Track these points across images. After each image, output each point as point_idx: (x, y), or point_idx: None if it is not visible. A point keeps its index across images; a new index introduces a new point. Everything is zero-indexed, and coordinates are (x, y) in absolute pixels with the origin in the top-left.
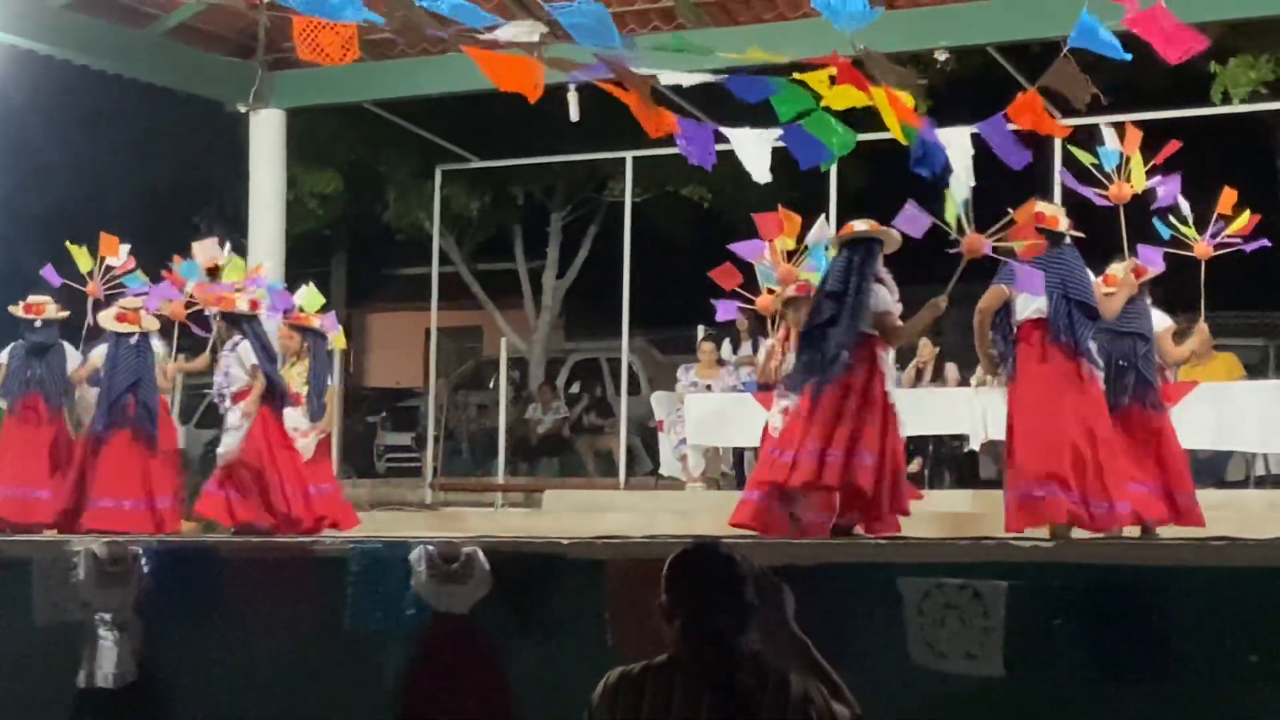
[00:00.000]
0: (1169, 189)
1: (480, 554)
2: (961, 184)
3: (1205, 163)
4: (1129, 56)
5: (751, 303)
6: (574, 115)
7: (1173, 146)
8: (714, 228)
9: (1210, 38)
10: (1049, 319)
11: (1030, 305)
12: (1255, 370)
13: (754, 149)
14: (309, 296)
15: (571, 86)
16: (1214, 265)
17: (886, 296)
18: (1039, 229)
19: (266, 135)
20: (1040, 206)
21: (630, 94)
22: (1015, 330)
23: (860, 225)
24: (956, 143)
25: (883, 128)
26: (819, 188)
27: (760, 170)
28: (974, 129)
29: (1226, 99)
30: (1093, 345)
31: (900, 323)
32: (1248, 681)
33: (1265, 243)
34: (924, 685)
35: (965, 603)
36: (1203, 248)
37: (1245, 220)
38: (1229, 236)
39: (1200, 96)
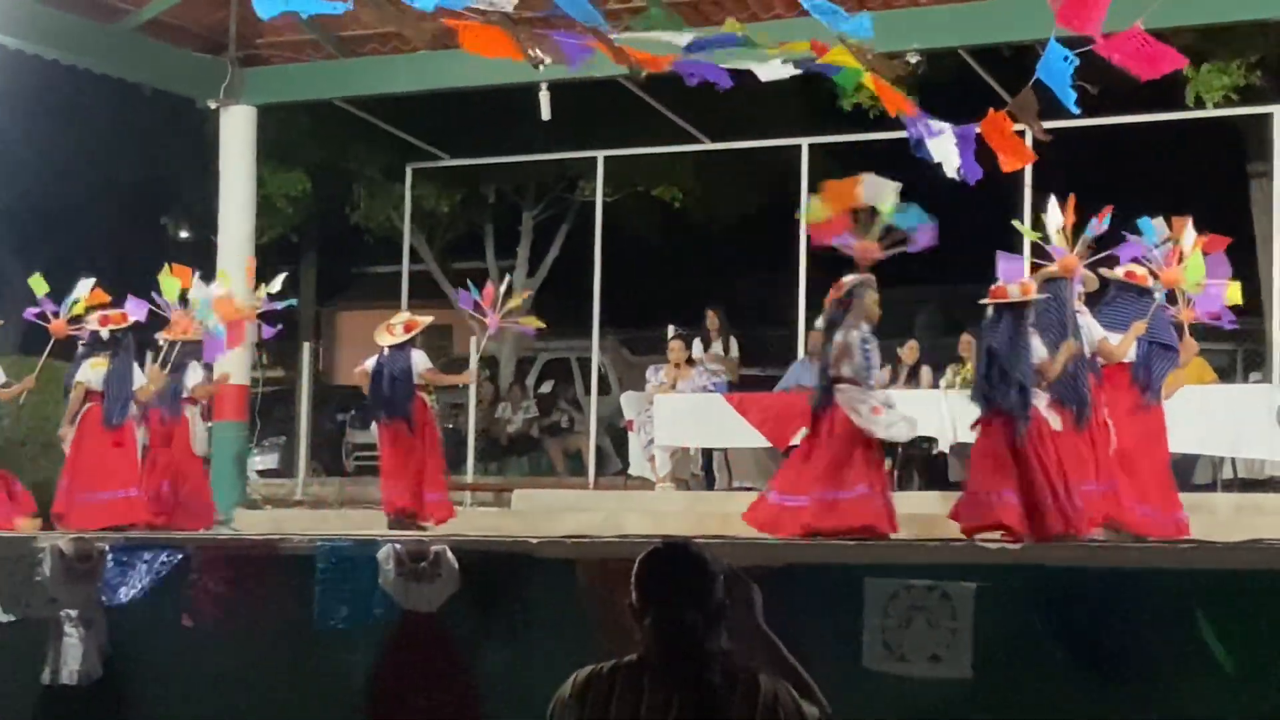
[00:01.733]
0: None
1: (449, 553)
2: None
3: (1177, 167)
4: (1077, 110)
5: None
6: (545, 114)
7: (1220, 243)
8: (684, 228)
9: (1183, 43)
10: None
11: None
12: (1224, 374)
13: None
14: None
15: (543, 85)
16: None
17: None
18: (1129, 284)
19: (237, 131)
20: (1130, 267)
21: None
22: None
23: (1015, 289)
24: (940, 138)
25: (856, 130)
26: (789, 190)
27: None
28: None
29: (1199, 104)
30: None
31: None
32: (1214, 682)
33: (1233, 322)
34: (893, 685)
35: (933, 604)
36: (1188, 313)
37: (1238, 294)
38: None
39: (1173, 101)
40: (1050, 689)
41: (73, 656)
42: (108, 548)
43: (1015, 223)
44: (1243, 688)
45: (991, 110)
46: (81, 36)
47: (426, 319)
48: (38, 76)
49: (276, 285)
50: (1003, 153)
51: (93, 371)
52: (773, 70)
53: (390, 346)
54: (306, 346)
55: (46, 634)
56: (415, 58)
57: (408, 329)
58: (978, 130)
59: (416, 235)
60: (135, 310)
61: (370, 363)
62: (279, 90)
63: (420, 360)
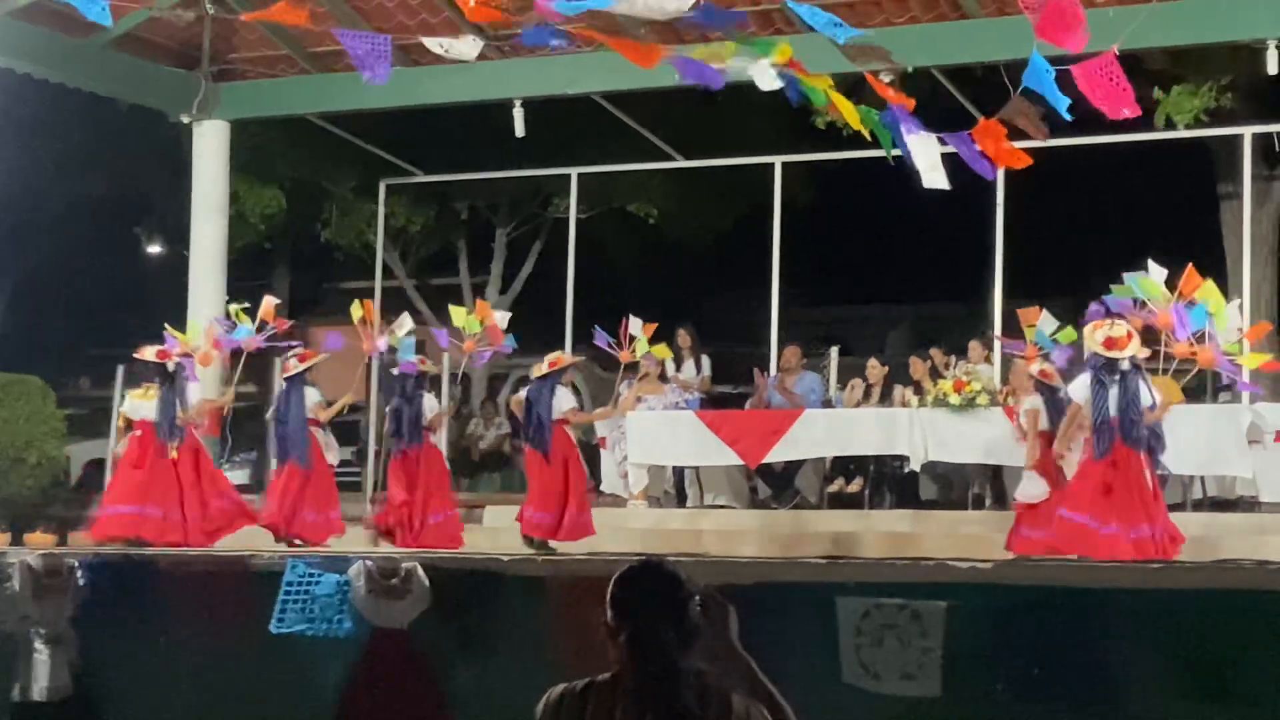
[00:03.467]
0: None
1: (420, 570)
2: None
3: (1148, 188)
4: (1069, 115)
5: None
6: (519, 130)
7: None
8: (659, 244)
9: (1155, 66)
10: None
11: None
12: (1194, 394)
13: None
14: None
15: (517, 102)
16: None
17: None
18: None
19: (210, 146)
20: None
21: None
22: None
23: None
24: (922, 143)
25: (827, 148)
26: (763, 207)
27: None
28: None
29: (1170, 125)
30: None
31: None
32: (1184, 703)
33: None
34: (864, 705)
35: (904, 623)
36: (1206, 355)
37: (1268, 358)
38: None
39: (1144, 122)
40: (1020, 708)
41: (43, 673)
42: (77, 563)
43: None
44: (1212, 708)
45: (983, 119)
46: (54, 51)
47: (576, 359)
48: (11, 91)
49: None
50: (998, 158)
51: (134, 403)
52: (766, 77)
53: (537, 378)
54: (278, 361)
55: (16, 650)
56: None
57: (553, 365)
58: (970, 136)
59: (390, 251)
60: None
61: (522, 393)
62: (252, 105)
63: (565, 398)
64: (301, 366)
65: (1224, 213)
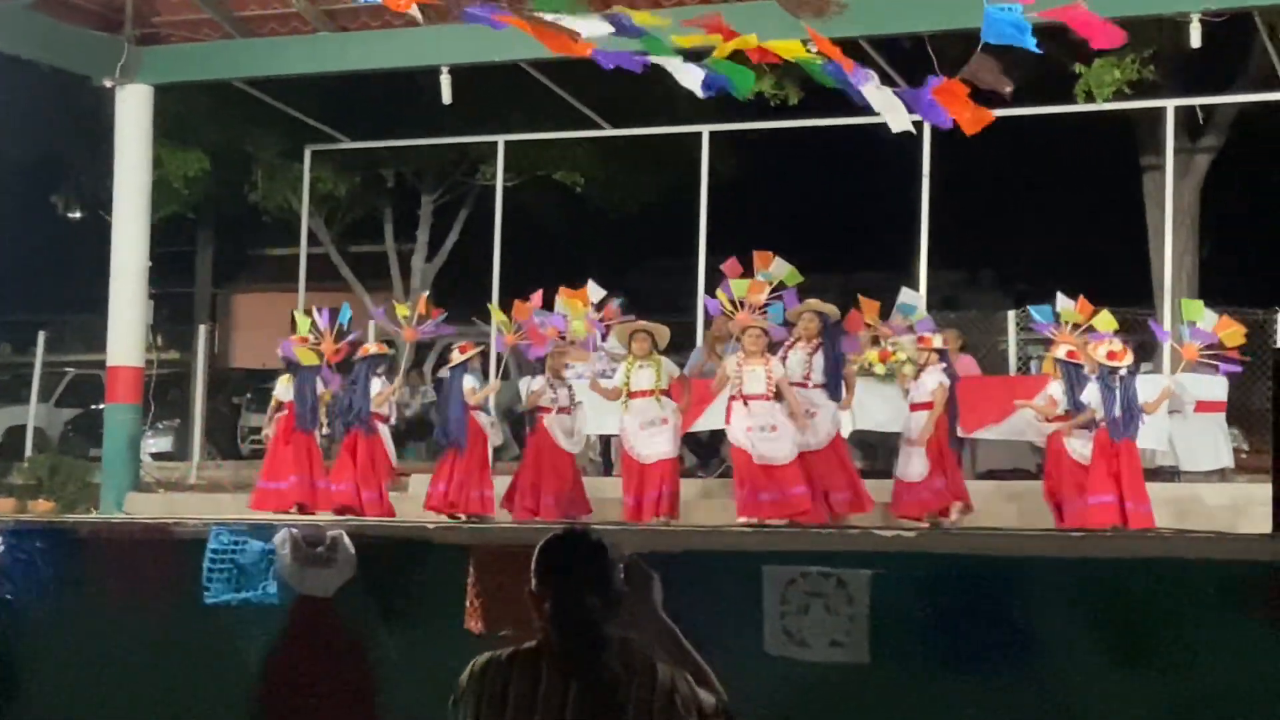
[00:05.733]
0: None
1: (346, 538)
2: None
3: (1073, 161)
4: (1038, 49)
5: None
6: (446, 97)
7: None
8: (585, 212)
9: (1076, 37)
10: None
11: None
12: None
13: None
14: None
15: (444, 69)
16: (1072, 263)
17: None
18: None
19: (133, 112)
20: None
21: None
22: None
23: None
24: (877, 93)
25: (754, 118)
26: (690, 176)
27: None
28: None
29: (1090, 98)
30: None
31: None
32: (1106, 667)
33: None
34: (790, 671)
35: (830, 590)
36: (1190, 350)
37: (1239, 336)
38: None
39: (1067, 95)
40: (946, 674)
41: None
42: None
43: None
44: (1132, 672)
45: (946, 77)
46: None
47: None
48: None
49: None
50: (960, 117)
51: (282, 386)
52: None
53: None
54: (202, 329)
55: None
56: (314, 39)
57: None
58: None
59: (315, 218)
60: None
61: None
62: (176, 70)
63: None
64: (463, 357)
65: (1147, 184)
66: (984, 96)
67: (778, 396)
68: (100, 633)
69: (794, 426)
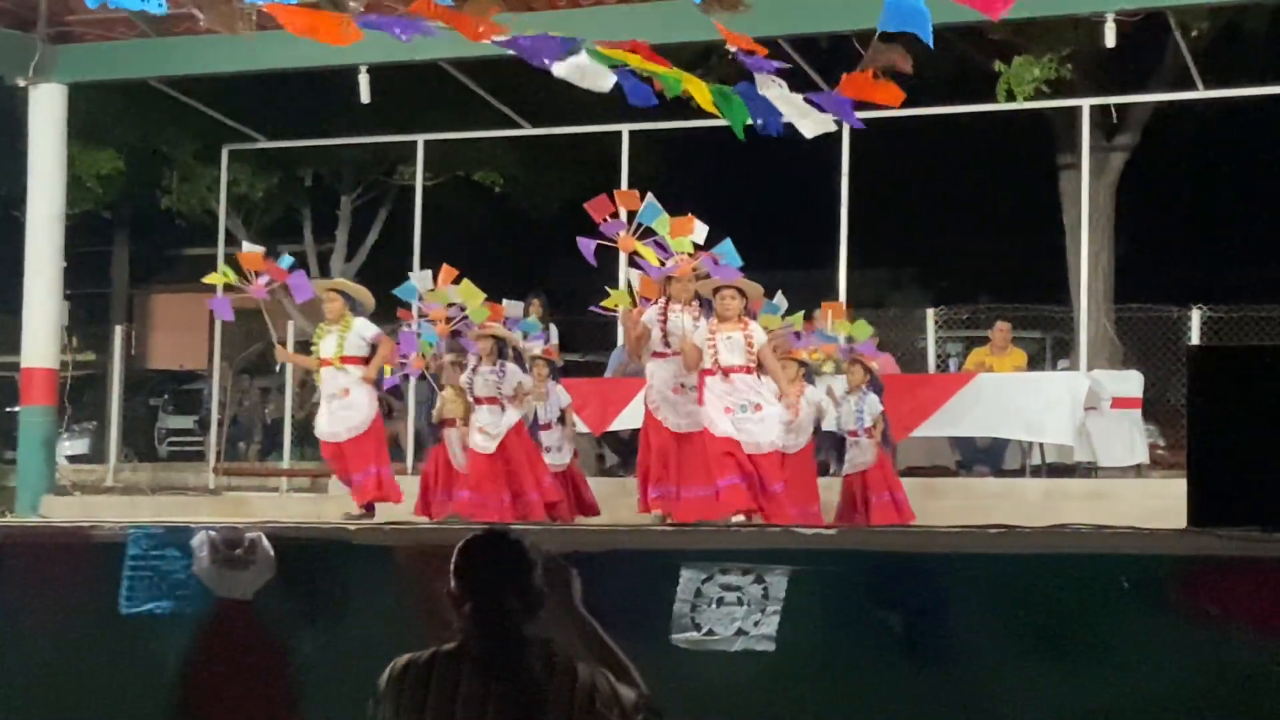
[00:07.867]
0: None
1: (264, 539)
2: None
3: (990, 159)
4: (931, 42)
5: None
6: (365, 97)
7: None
8: (506, 212)
9: (997, 36)
10: None
11: None
12: (1034, 362)
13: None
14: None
15: (363, 68)
16: (990, 261)
17: None
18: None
19: (47, 110)
20: None
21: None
22: None
23: None
24: (786, 101)
25: (676, 118)
26: (610, 176)
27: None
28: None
29: (1011, 97)
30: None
31: None
32: (1024, 665)
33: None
34: (710, 669)
35: (748, 588)
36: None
37: (867, 333)
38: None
39: (986, 93)
40: (866, 674)
41: None
42: None
43: None
44: (1051, 669)
45: (845, 75)
46: None
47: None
48: None
49: None
50: (875, 99)
51: None
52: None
53: None
54: (119, 329)
55: None
56: (231, 39)
57: None
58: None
59: (233, 218)
60: None
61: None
62: (91, 68)
63: None
64: None
65: (1063, 183)
66: (904, 85)
67: (759, 369)
68: (12, 640)
69: (781, 407)
